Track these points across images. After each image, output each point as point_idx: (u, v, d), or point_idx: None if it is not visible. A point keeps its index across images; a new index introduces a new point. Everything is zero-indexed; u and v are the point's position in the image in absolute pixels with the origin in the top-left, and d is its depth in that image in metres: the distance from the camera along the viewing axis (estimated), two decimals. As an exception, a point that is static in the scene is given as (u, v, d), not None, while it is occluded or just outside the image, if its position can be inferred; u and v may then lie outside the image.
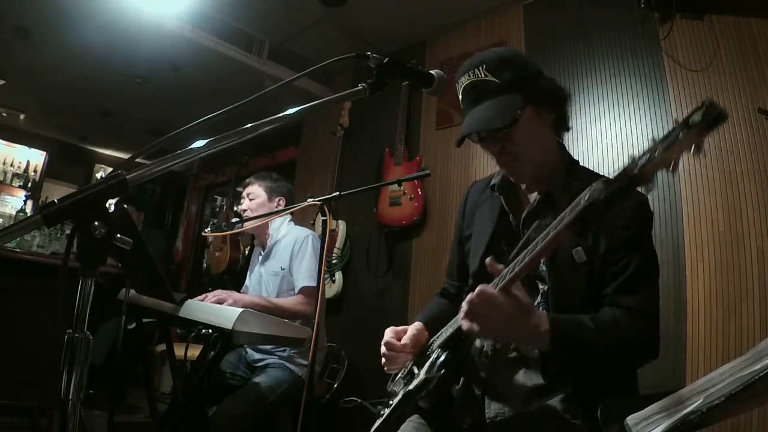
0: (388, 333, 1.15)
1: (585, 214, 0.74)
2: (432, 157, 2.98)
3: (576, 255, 0.99)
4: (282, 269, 2.13)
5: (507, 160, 1.08)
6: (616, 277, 0.98)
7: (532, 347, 1.00)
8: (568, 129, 1.14)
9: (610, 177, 0.71)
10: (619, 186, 0.70)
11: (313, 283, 2.02)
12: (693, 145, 0.67)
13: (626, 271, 0.97)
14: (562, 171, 1.11)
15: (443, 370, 0.99)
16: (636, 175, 0.69)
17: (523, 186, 1.16)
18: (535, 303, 1.04)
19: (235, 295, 1.93)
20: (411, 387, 1.03)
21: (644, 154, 0.69)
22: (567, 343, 0.89)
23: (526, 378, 1.02)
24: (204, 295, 1.88)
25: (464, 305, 0.89)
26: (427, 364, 1.03)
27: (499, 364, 1.07)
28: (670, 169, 0.68)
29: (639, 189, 0.69)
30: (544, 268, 1.02)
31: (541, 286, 1.04)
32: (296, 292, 2.08)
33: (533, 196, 1.11)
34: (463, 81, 1.07)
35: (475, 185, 1.32)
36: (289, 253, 2.13)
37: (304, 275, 2.05)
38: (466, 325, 0.89)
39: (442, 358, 1.00)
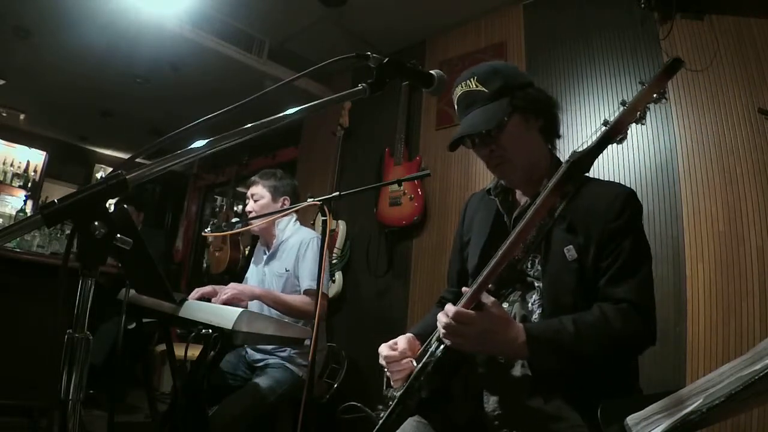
0: (384, 349, 1.17)
1: (567, 175, 0.83)
2: (432, 157, 2.98)
3: (567, 253, 1.02)
4: (287, 271, 2.12)
5: (495, 163, 1.14)
6: (607, 270, 1.01)
7: (513, 358, 1.03)
8: (558, 136, 1.20)
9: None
10: (596, 141, 0.80)
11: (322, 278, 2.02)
12: (654, 93, 0.77)
13: (616, 263, 1.00)
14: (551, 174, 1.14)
15: (441, 354, 1.02)
16: (611, 128, 0.78)
17: (517, 191, 1.21)
18: (532, 300, 1.07)
19: (246, 290, 1.93)
20: (411, 377, 1.05)
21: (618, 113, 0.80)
22: (546, 352, 0.93)
23: (522, 372, 1.03)
24: (213, 290, 1.88)
25: (440, 328, 0.96)
26: (427, 353, 1.06)
27: (495, 359, 1.08)
28: (638, 118, 0.78)
29: (613, 142, 0.80)
30: (539, 267, 1.05)
31: (537, 284, 1.06)
32: (301, 293, 2.08)
33: (525, 200, 1.16)
34: (457, 91, 1.15)
35: (474, 196, 1.38)
36: (294, 254, 2.13)
37: (309, 277, 2.05)
38: (447, 343, 0.97)
39: (442, 346, 1.02)
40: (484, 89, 1.11)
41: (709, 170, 1.96)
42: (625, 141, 0.79)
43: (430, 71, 0.95)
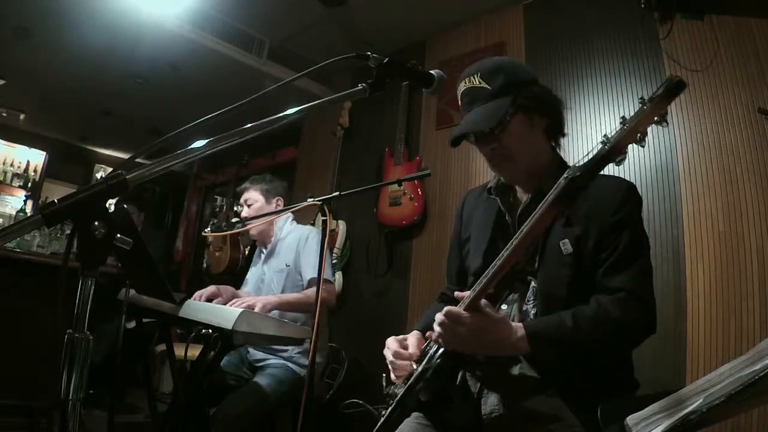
0: (394, 344, 1.16)
1: (565, 192, 0.80)
2: (432, 157, 2.98)
3: (563, 247, 1.02)
4: (287, 266, 2.13)
5: (497, 161, 1.14)
6: (605, 261, 1.01)
7: (513, 355, 1.02)
8: (563, 135, 1.20)
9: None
10: (595, 160, 0.77)
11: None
12: (656, 116, 0.73)
13: (613, 255, 1.01)
14: (554, 172, 1.13)
15: (440, 360, 1.02)
16: (610, 149, 0.76)
17: (518, 188, 1.20)
18: (528, 299, 1.07)
19: (268, 304, 1.84)
20: (410, 380, 1.05)
21: (616, 131, 0.75)
22: (547, 344, 0.94)
23: (520, 373, 1.03)
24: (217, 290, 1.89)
25: (436, 327, 0.97)
26: (426, 357, 1.06)
27: (493, 361, 1.07)
28: (638, 140, 0.75)
29: (612, 162, 0.76)
30: (537, 262, 1.06)
31: (533, 284, 1.06)
32: (305, 285, 2.08)
33: (526, 197, 1.15)
34: (461, 87, 1.14)
35: (471, 192, 1.38)
36: (294, 250, 2.14)
37: (312, 268, 2.05)
38: (441, 344, 0.98)
39: (441, 350, 1.02)
40: (487, 86, 1.09)
41: (709, 170, 1.96)
42: (625, 161, 0.75)
43: (430, 71, 0.95)
